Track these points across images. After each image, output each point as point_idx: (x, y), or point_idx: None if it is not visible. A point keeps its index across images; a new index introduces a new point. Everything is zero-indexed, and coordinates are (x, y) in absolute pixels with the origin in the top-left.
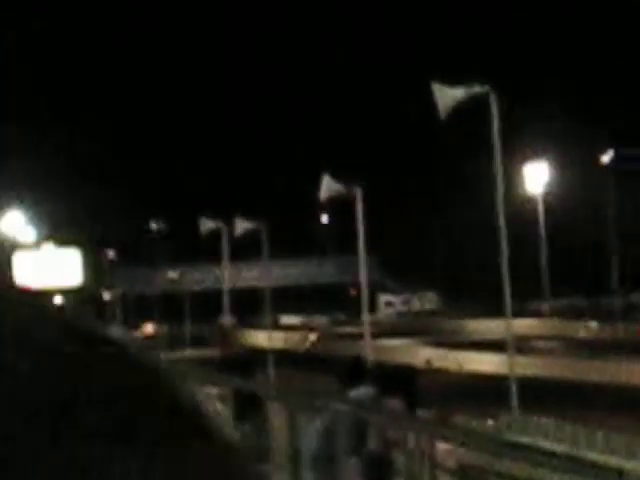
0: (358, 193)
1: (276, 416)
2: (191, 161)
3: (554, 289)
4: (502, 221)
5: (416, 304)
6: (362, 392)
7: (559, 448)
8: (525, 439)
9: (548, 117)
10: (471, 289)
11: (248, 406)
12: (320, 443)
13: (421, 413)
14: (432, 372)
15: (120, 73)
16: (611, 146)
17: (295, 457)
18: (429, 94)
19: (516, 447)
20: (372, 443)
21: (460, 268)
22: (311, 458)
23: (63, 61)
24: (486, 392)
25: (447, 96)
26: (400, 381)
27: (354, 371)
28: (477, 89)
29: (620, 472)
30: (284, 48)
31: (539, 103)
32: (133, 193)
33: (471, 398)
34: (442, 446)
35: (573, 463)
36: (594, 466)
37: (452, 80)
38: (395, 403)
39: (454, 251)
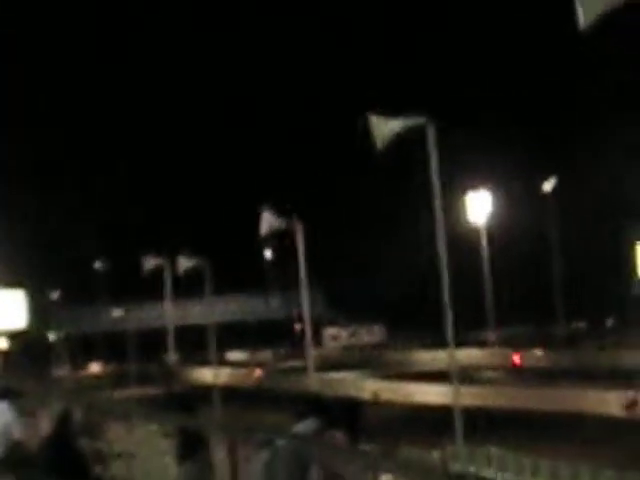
0: (298, 227)
1: (219, 452)
2: (133, 198)
3: (500, 319)
4: (442, 251)
5: (362, 337)
6: (307, 426)
7: (504, 477)
8: (470, 469)
9: (488, 147)
10: (416, 320)
11: (192, 444)
12: (262, 478)
13: (367, 446)
14: (379, 405)
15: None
16: (553, 173)
17: None
18: (367, 125)
19: (460, 477)
20: (314, 477)
21: (405, 300)
22: None
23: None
24: (432, 423)
25: (384, 128)
26: (343, 413)
27: (304, 406)
28: (415, 120)
29: None
30: (227, 77)
31: (479, 133)
32: (75, 232)
33: (417, 429)
34: (385, 478)
35: None
36: None
37: (390, 111)
38: (338, 436)
39: (398, 283)
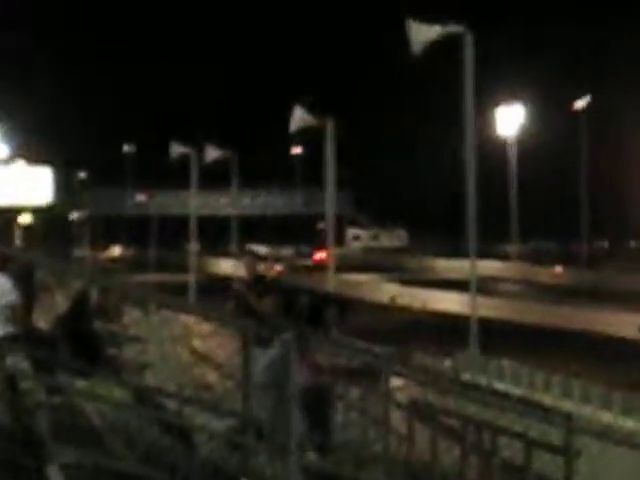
0: (329, 125)
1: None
2: (166, 86)
3: (523, 233)
4: (471, 161)
5: (384, 240)
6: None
7: (515, 391)
8: (481, 380)
9: (526, 61)
10: (440, 228)
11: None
12: (268, 372)
13: (381, 349)
14: (396, 309)
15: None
16: (587, 91)
17: (245, 385)
18: (405, 30)
19: (468, 387)
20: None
21: (430, 207)
22: (259, 386)
23: None
24: (447, 331)
25: (422, 34)
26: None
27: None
28: (453, 28)
29: (569, 416)
30: None
31: (518, 46)
32: (107, 115)
33: (432, 336)
34: (396, 382)
35: (523, 405)
36: (544, 409)
37: (429, 17)
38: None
39: (425, 189)
